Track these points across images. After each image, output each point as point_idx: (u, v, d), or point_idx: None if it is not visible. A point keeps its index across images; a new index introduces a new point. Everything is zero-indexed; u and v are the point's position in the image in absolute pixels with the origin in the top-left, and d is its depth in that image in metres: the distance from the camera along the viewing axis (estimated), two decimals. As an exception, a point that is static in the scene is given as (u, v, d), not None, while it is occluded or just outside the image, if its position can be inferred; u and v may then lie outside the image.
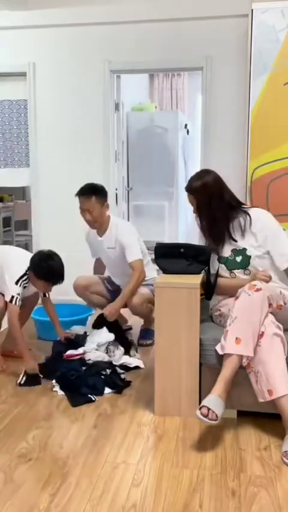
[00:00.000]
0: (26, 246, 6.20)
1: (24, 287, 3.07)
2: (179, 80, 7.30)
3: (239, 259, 2.60)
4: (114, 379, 2.86)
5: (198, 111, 6.59)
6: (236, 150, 4.23)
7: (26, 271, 3.06)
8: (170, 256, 2.66)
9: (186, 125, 6.53)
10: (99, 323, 3.28)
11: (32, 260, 3.09)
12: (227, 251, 2.63)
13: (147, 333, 3.65)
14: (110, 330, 3.21)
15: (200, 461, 2.14)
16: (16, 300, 2.99)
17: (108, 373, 2.91)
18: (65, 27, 4.50)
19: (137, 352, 3.28)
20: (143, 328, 3.71)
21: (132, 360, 3.13)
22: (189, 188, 2.65)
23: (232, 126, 4.29)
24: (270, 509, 1.83)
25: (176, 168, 6.08)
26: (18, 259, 3.14)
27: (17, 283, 3.02)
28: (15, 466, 2.10)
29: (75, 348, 3.12)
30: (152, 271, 3.54)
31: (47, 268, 3.03)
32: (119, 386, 2.83)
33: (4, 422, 2.47)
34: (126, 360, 3.10)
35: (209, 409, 2.15)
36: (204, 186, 2.60)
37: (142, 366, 3.13)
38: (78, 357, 3.04)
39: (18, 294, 3.01)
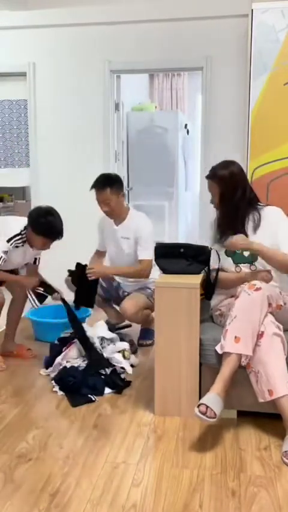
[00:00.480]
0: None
1: (16, 246, 3.01)
2: (179, 80, 7.29)
3: (247, 253, 2.58)
4: (114, 379, 2.86)
5: (198, 111, 6.58)
6: (236, 150, 4.22)
7: (22, 230, 3.02)
8: (170, 256, 2.65)
9: (186, 125, 6.52)
10: (73, 272, 3.34)
11: (30, 216, 3.04)
12: None
13: (147, 333, 3.65)
14: (80, 281, 3.29)
15: (200, 461, 2.14)
16: (1, 259, 2.94)
17: (108, 373, 2.90)
18: (65, 27, 4.50)
19: (133, 353, 3.25)
20: (143, 328, 3.71)
21: (121, 360, 3.06)
22: (215, 176, 2.60)
23: (232, 126, 4.28)
24: (270, 509, 1.83)
25: (176, 168, 6.07)
26: (16, 221, 3.10)
27: (9, 241, 2.96)
28: (15, 466, 2.10)
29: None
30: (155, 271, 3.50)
31: (46, 224, 2.99)
32: (119, 386, 2.83)
33: (4, 422, 2.47)
34: (116, 357, 3.05)
35: (207, 407, 2.15)
36: (231, 175, 2.57)
37: (130, 372, 3.02)
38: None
39: (5, 253, 2.95)
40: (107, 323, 3.74)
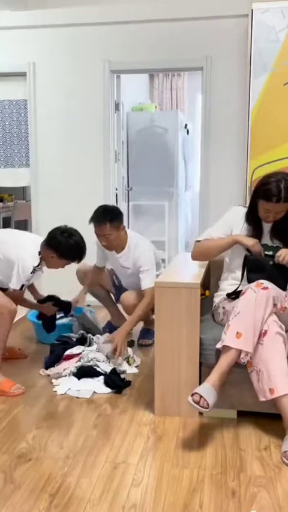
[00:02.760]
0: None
1: (34, 271, 2.96)
2: (179, 80, 7.29)
3: (268, 253, 2.58)
4: (114, 379, 2.86)
5: (198, 111, 6.58)
6: (236, 150, 4.23)
7: (39, 255, 2.96)
8: (261, 270, 2.51)
9: (186, 125, 6.53)
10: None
11: (55, 239, 2.95)
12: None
13: (147, 333, 3.66)
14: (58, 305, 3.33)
15: (200, 461, 2.14)
16: (24, 287, 2.93)
17: (108, 373, 2.91)
18: (65, 27, 4.50)
19: (134, 360, 3.24)
20: (143, 328, 3.72)
21: (126, 368, 3.09)
22: None
23: (232, 126, 4.29)
24: (270, 509, 1.83)
25: (176, 168, 6.08)
26: (30, 242, 3.02)
27: (33, 271, 2.92)
28: (15, 466, 2.10)
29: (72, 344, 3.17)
30: None
31: (75, 247, 2.95)
32: (119, 386, 2.83)
33: (4, 422, 2.47)
34: (125, 368, 3.08)
35: (200, 396, 2.16)
36: None
37: (135, 371, 3.13)
38: (77, 358, 3.04)
39: (27, 281, 2.94)
40: (110, 323, 3.75)
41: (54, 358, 3.10)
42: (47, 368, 3.07)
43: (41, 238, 3.07)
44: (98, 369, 2.93)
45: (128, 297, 3.37)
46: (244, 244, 2.57)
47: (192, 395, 2.18)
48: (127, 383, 2.88)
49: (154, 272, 3.30)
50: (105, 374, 2.90)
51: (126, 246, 3.39)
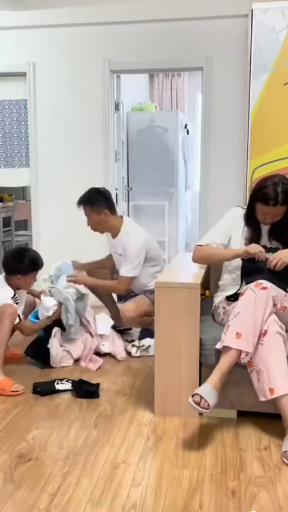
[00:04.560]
0: (26, 246, 6.19)
1: (16, 303, 3.08)
2: (179, 80, 7.29)
3: (268, 255, 2.57)
4: (85, 388, 2.78)
5: (198, 111, 6.59)
6: (236, 150, 4.23)
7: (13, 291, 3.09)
8: (257, 272, 2.50)
9: (186, 125, 6.53)
10: None
11: (10, 263, 3.13)
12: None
13: (147, 333, 3.65)
14: None
15: (200, 461, 2.14)
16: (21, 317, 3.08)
17: (76, 384, 2.82)
18: (65, 27, 4.50)
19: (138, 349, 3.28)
20: (143, 328, 3.71)
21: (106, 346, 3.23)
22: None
23: (232, 126, 4.29)
24: (270, 509, 1.83)
25: (176, 168, 6.08)
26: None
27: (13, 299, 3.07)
28: (15, 466, 2.10)
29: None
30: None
31: (30, 260, 3.13)
32: (92, 392, 2.76)
33: (4, 422, 2.47)
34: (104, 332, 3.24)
35: (201, 397, 2.16)
36: None
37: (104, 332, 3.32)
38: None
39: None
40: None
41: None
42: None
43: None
44: (63, 386, 2.86)
45: (129, 308, 3.35)
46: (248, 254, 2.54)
47: (192, 396, 2.17)
48: (97, 385, 2.81)
49: (134, 264, 3.31)
50: (74, 387, 2.81)
51: (119, 233, 3.41)
